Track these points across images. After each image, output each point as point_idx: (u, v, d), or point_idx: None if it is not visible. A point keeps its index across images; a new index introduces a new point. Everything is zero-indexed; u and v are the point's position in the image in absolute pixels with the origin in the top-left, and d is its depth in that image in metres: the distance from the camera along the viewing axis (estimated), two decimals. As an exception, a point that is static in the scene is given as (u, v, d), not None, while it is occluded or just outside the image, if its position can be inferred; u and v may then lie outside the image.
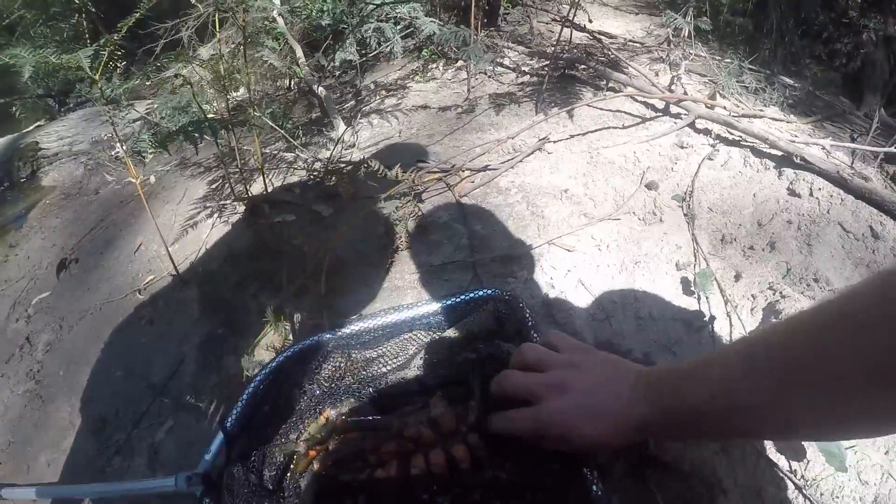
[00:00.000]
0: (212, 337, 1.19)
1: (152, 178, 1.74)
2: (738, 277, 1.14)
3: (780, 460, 0.85)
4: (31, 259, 1.74)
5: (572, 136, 1.53)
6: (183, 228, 1.44)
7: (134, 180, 1.22)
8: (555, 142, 1.50)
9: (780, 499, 0.82)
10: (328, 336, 0.99)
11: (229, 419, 0.93)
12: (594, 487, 0.77)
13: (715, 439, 0.82)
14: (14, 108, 2.51)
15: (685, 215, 1.27)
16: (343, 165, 1.39)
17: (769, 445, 0.87)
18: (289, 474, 0.90)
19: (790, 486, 0.83)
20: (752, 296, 1.10)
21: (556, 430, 0.67)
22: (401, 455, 0.85)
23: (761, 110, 1.63)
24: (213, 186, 1.55)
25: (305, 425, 0.91)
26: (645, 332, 1.04)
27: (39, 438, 1.25)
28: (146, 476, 1.08)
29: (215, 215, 1.43)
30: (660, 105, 1.64)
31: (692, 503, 0.82)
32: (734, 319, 1.06)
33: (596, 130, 1.56)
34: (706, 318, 1.06)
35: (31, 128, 2.33)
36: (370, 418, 0.91)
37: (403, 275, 1.19)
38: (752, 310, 1.08)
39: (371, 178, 1.33)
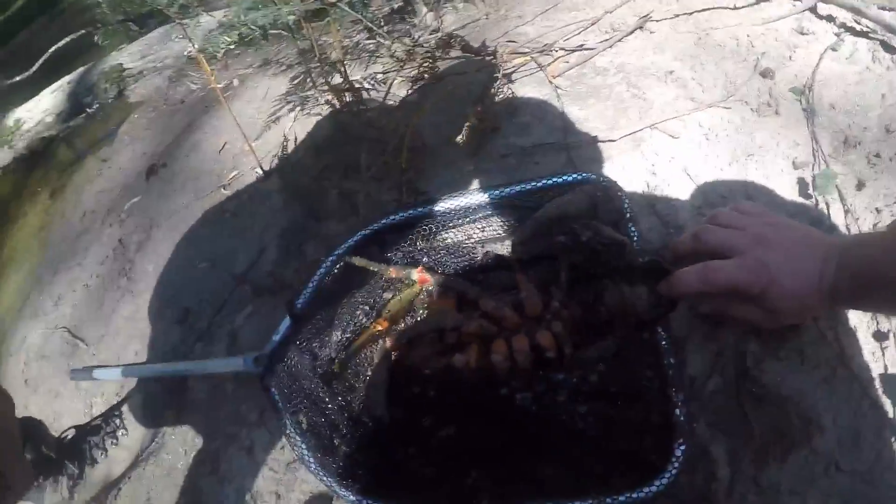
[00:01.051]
0: (293, 225, 1.15)
1: (235, 82, 1.70)
2: (860, 186, 0.98)
3: (887, 405, 0.77)
4: (122, 169, 1.77)
5: (677, 16, 1.34)
6: (266, 124, 1.40)
7: (210, 77, 1.17)
8: (658, 20, 1.32)
9: (878, 448, 0.75)
10: (406, 214, 0.92)
11: (299, 300, 0.89)
12: (678, 411, 0.71)
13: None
14: (96, 37, 2.54)
15: (804, 110, 1.10)
16: (426, 48, 1.29)
17: (878, 385, 0.78)
18: (354, 354, 0.85)
19: (891, 437, 0.75)
20: (877, 209, 0.95)
21: (759, 281, 0.66)
22: (482, 340, 0.77)
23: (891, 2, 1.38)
24: (295, 82, 1.49)
25: (380, 300, 0.85)
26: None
27: (129, 331, 1.28)
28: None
29: (297, 109, 1.37)
30: (776, -15, 1.43)
31: (786, 436, 0.75)
32: (853, 232, 0.93)
33: (704, 10, 1.35)
34: (825, 226, 0.93)
35: (115, 52, 2.35)
36: (451, 278, 0.85)
37: (490, 157, 1.10)
38: (874, 224, 0.94)
39: (457, 59, 1.23)
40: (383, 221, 0.91)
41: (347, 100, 1.26)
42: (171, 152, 1.65)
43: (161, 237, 1.40)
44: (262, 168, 1.26)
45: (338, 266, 0.92)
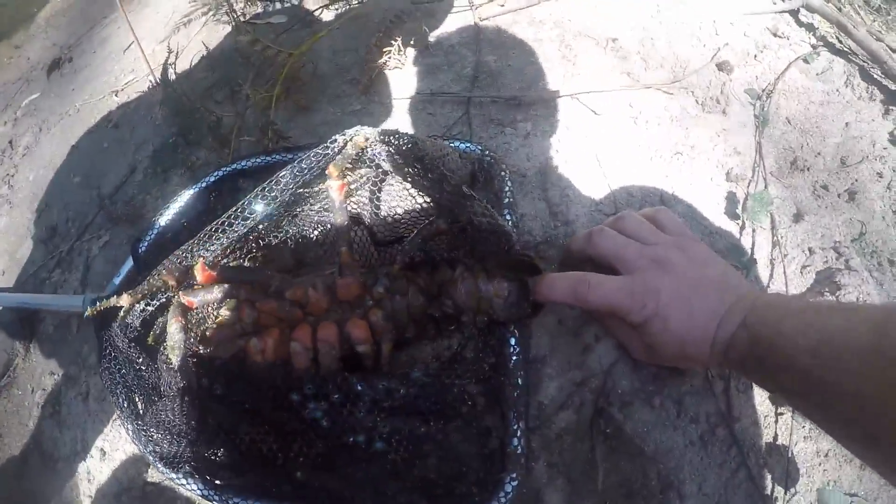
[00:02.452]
0: (165, 146, 1.01)
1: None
2: (798, 218, 0.85)
3: (767, 480, 0.68)
4: (30, 60, 1.60)
5: (643, -20, 1.15)
6: (175, 26, 1.22)
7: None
8: (617, -20, 1.13)
9: None
10: (255, 161, 0.79)
11: (142, 244, 0.78)
12: (515, 441, 0.61)
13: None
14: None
15: (755, 116, 0.94)
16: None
17: (762, 452, 0.69)
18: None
19: None
20: (810, 249, 0.83)
21: (640, 311, 0.57)
22: (284, 325, 0.65)
23: (881, 32, 1.19)
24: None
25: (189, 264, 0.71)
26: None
27: (2, 245, 1.15)
28: (76, 292, 0.96)
29: (209, 14, 1.20)
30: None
31: (635, 496, 0.65)
32: (777, 271, 0.80)
33: (673, -17, 1.16)
34: (745, 257, 0.80)
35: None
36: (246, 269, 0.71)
37: (384, 98, 0.95)
38: (803, 267, 0.82)
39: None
40: (232, 166, 0.79)
41: (259, 11, 1.09)
42: (80, 45, 1.47)
43: (47, 142, 1.25)
44: (153, 77, 1.10)
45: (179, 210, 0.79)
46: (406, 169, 0.66)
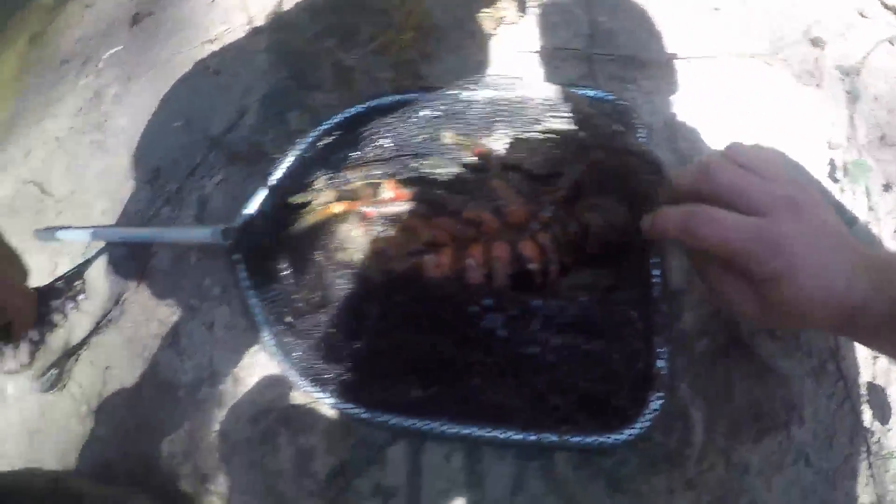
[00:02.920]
0: (277, 89, 1.03)
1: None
2: (888, 188, 0.92)
3: (865, 413, 0.75)
4: (105, 15, 1.60)
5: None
6: (268, -27, 1.23)
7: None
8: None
9: (847, 454, 0.73)
10: (407, 97, 0.80)
11: (274, 174, 0.80)
12: (661, 363, 0.65)
13: None
14: None
15: (847, 92, 1.00)
16: None
17: (863, 390, 0.77)
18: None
19: (862, 445, 0.74)
20: None
21: (773, 260, 0.47)
22: (457, 243, 0.67)
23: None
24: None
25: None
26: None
27: (98, 187, 1.18)
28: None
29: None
30: (848, -43, 1.24)
31: (764, 417, 0.72)
32: (875, 231, 0.87)
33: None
34: (847, 216, 0.86)
35: None
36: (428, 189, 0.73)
37: (505, 52, 0.98)
38: (894, 231, 0.88)
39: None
40: (376, 102, 0.80)
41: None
42: (158, 1, 1.48)
43: (138, 90, 1.26)
44: (252, 24, 1.11)
45: (320, 143, 0.81)
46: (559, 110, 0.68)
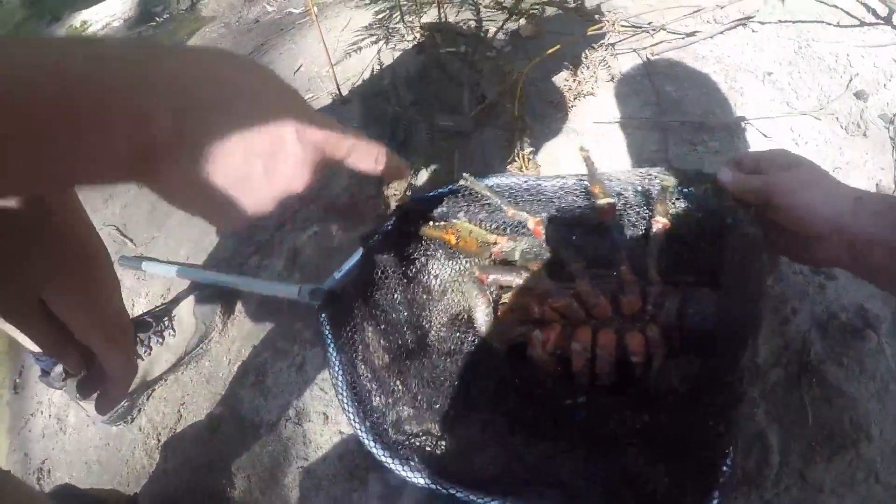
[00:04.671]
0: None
1: (315, 8, 1.62)
2: None
3: None
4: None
5: (781, 21, 1.30)
6: (346, 53, 1.33)
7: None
8: (762, 22, 1.28)
9: None
10: (521, 181, 0.82)
11: (374, 238, 0.79)
12: (726, 466, 0.60)
13: None
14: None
15: (891, 138, 1.07)
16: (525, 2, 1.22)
17: None
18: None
19: None
20: None
21: (785, 194, 0.61)
22: (566, 322, 0.69)
23: None
24: (380, 17, 1.42)
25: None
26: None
27: (181, 234, 1.23)
28: (280, 278, 1.01)
29: (381, 42, 1.30)
30: (882, 11, 1.35)
31: (835, 437, 0.76)
32: None
33: (807, 21, 1.32)
34: None
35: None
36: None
37: (584, 121, 1.05)
38: None
39: (558, 20, 1.17)
40: (490, 180, 0.80)
41: (438, 41, 1.19)
42: (241, 68, 1.58)
43: (225, 147, 1.33)
44: (340, 92, 1.19)
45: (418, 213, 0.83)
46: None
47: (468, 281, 0.72)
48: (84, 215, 0.49)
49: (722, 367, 0.61)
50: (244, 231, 1.01)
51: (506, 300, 0.71)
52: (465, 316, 0.73)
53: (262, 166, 0.38)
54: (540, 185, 0.79)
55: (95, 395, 0.52)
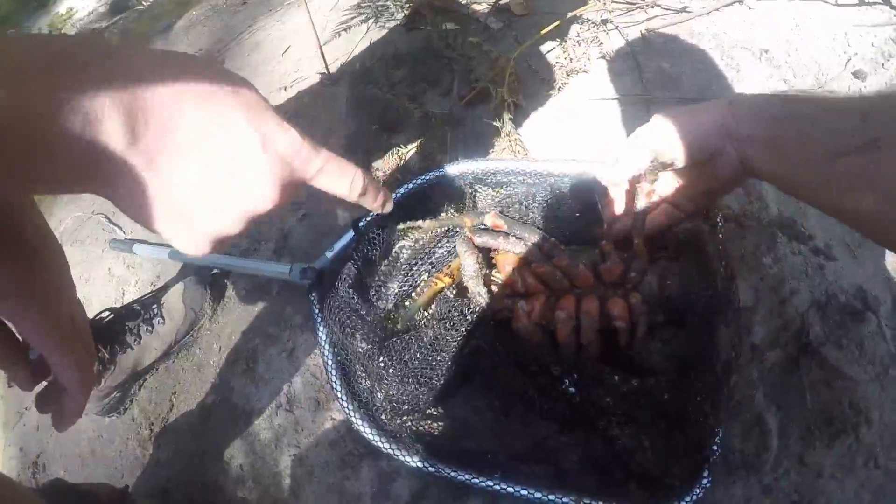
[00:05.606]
0: (361, 133, 1.06)
1: (302, -13, 1.59)
2: None
3: None
4: (176, 61, 1.66)
5: (777, -1, 1.27)
6: (335, 32, 1.29)
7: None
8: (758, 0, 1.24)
9: None
10: (516, 166, 0.81)
11: (364, 219, 0.80)
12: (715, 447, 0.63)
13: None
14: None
15: None
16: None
17: None
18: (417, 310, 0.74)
19: None
20: None
21: (669, 141, 0.58)
22: (550, 291, 0.68)
23: None
24: (369, -6, 1.38)
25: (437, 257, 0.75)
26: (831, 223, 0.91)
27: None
28: (270, 260, 0.99)
29: (370, 20, 1.27)
30: (880, -12, 1.32)
31: (834, 421, 0.75)
32: None
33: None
34: None
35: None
36: (525, 226, 0.74)
37: (577, 100, 1.02)
38: None
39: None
40: (479, 166, 0.80)
41: (429, 18, 1.15)
42: (230, 50, 1.54)
43: (212, 131, 1.30)
44: (329, 73, 1.16)
45: (417, 191, 0.82)
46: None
47: (459, 240, 0.70)
48: (25, 200, 0.42)
49: (701, 344, 0.61)
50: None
51: (494, 278, 0.70)
52: (454, 289, 0.70)
53: (222, 178, 0.34)
54: (526, 168, 0.78)
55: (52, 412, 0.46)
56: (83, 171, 0.30)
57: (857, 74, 1.10)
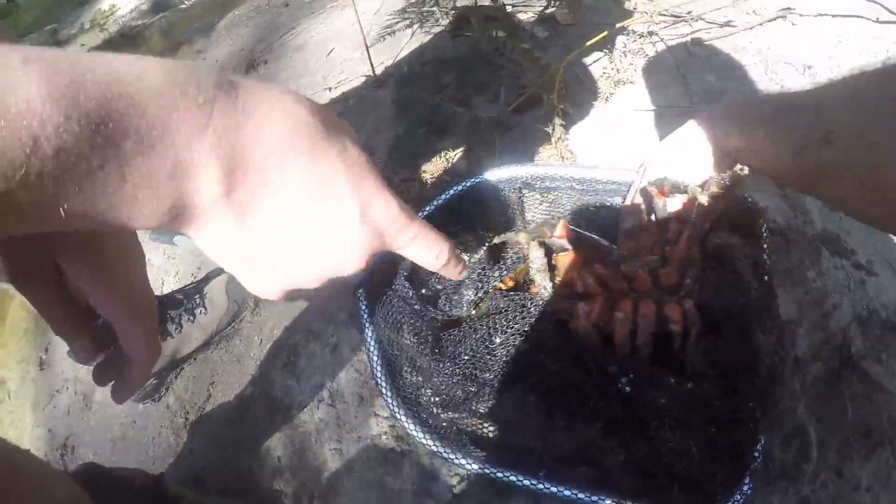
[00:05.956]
0: (408, 135, 1.07)
1: (352, -13, 1.61)
2: None
3: None
4: (219, 61, 1.69)
5: (820, 15, 1.28)
6: (379, 36, 1.31)
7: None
8: (801, 15, 1.25)
9: None
10: (565, 172, 0.82)
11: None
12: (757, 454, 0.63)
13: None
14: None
15: None
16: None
17: None
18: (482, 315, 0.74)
19: None
20: None
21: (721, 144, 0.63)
22: (609, 296, 0.69)
23: None
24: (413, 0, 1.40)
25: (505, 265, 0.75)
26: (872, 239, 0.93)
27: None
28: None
29: (415, 25, 1.28)
30: (922, 7, 1.33)
31: (872, 434, 0.75)
32: None
33: (847, 16, 1.29)
34: None
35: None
36: (592, 236, 0.75)
37: (624, 110, 1.03)
38: None
39: (596, 8, 1.15)
40: (529, 171, 0.81)
41: (475, 25, 1.17)
42: (273, 50, 1.56)
43: (258, 129, 1.32)
44: (375, 75, 1.17)
45: (460, 199, 0.83)
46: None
47: (525, 235, 0.71)
48: None
49: (741, 352, 0.61)
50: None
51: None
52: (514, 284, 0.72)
53: (314, 242, 0.33)
54: (574, 174, 0.79)
55: (112, 383, 0.46)
56: (165, 213, 0.27)
57: (899, 91, 1.11)
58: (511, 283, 0.72)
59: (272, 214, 0.30)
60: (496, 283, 0.72)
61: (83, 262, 0.40)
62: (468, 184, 0.82)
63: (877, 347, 0.81)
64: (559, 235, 0.70)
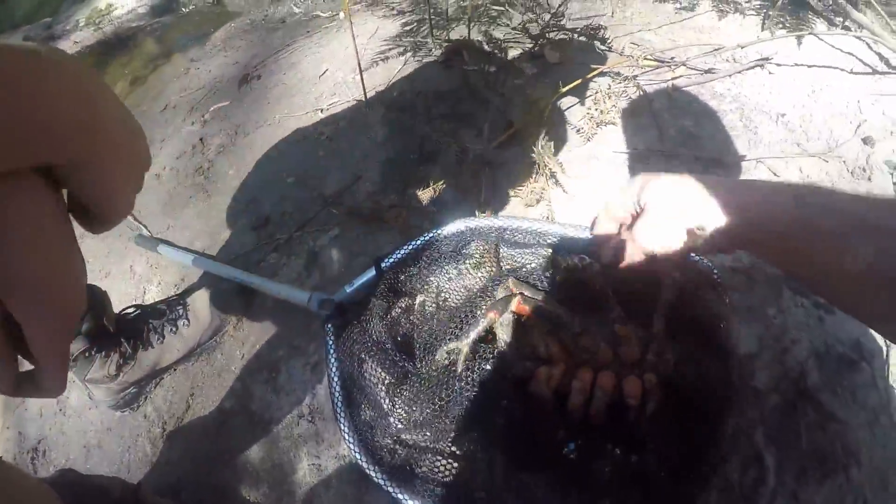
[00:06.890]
0: (399, 161, 1.10)
1: (341, 14, 1.65)
2: None
3: None
4: (212, 73, 1.71)
5: (797, 65, 1.34)
6: (373, 61, 1.34)
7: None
8: (779, 65, 1.31)
9: None
10: (540, 226, 0.82)
11: (387, 260, 0.81)
12: None
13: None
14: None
15: (894, 184, 1.11)
16: (553, 30, 1.25)
17: None
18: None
19: None
20: None
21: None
22: (571, 361, 0.70)
23: None
24: (408, 28, 1.44)
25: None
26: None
27: (198, 227, 1.23)
28: (299, 277, 1.02)
29: (408, 53, 1.32)
30: (895, 61, 1.39)
31: (827, 461, 0.79)
32: None
33: (822, 67, 1.36)
34: None
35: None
36: (550, 309, 0.76)
37: (604, 148, 1.07)
38: None
39: (583, 49, 1.19)
40: (510, 224, 0.82)
41: (466, 58, 1.21)
42: (266, 66, 1.59)
43: (246, 144, 1.34)
44: (366, 100, 1.20)
45: (440, 240, 0.83)
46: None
47: (502, 288, 0.73)
48: None
49: (701, 436, 0.64)
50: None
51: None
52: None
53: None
54: (545, 230, 0.81)
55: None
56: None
57: (866, 141, 1.17)
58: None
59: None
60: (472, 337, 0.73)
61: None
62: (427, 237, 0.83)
63: (833, 380, 0.86)
64: (514, 311, 0.72)
